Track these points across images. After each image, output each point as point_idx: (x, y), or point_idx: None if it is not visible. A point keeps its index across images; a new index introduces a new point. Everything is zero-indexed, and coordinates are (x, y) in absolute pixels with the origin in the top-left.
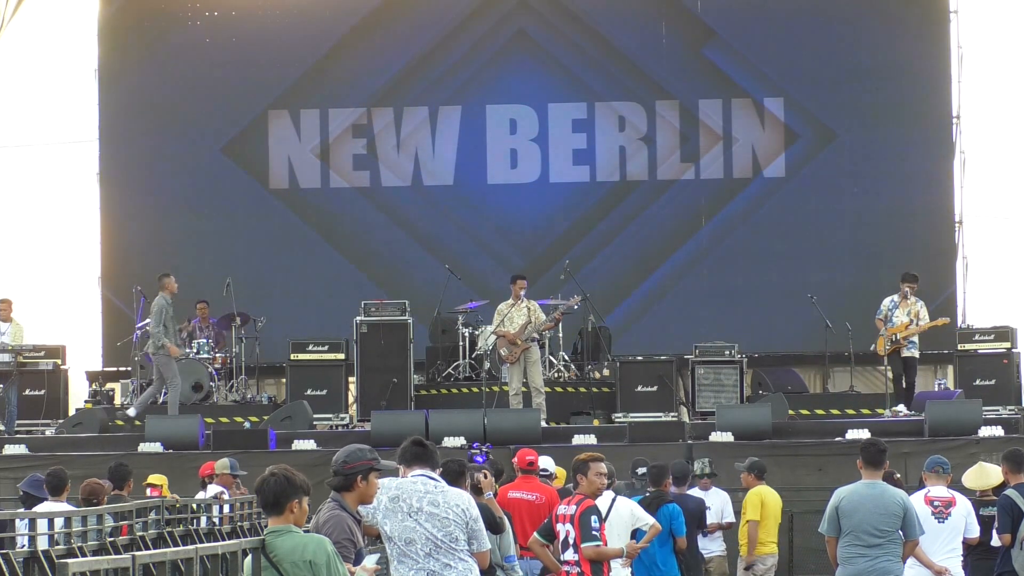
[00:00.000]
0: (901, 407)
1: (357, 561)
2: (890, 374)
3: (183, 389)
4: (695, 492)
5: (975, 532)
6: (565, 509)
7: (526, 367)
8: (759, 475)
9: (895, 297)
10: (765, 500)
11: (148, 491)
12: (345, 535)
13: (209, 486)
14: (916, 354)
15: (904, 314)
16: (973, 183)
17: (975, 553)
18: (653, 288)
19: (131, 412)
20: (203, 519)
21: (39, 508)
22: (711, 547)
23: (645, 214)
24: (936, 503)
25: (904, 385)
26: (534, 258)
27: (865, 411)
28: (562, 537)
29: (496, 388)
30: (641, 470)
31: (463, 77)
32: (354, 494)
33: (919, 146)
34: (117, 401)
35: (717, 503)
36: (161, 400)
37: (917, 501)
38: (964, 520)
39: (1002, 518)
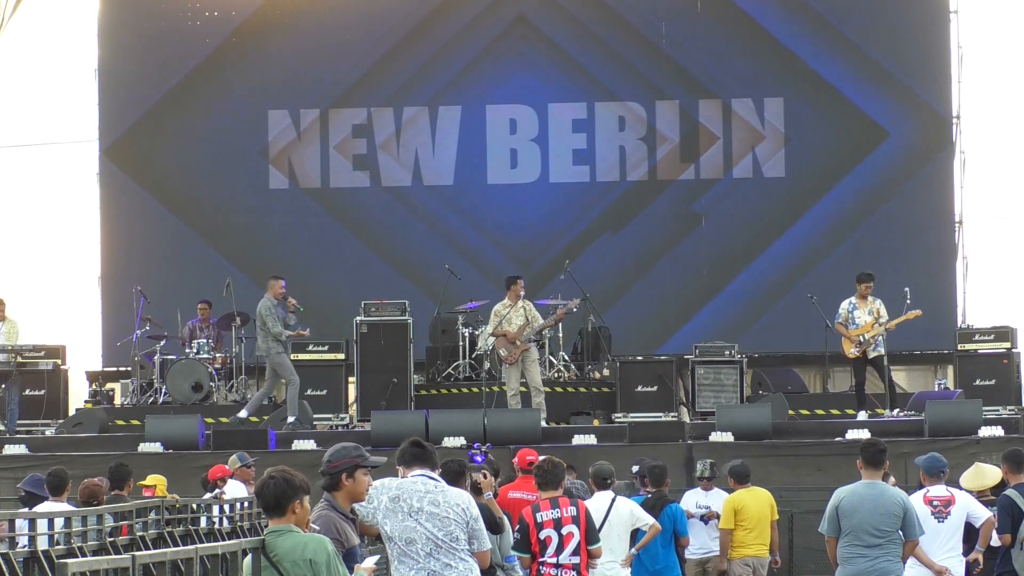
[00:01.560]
0: (862, 413)
1: (346, 559)
2: (858, 379)
3: (183, 389)
4: (695, 492)
5: (983, 516)
6: (554, 513)
7: (524, 367)
8: (738, 479)
9: (853, 299)
10: (741, 506)
11: (143, 491)
12: (332, 535)
13: (230, 481)
14: (883, 351)
15: (866, 314)
16: (973, 183)
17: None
18: (653, 288)
19: (243, 413)
20: (203, 519)
21: (40, 508)
22: (711, 546)
23: (645, 214)
24: (935, 503)
25: (884, 386)
26: (534, 258)
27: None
28: (555, 541)
29: (496, 388)
30: (634, 468)
31: (463, 77)
32: (343, 492)
33: (919, 146)
34: (117, 401)
35: (717, 504)
36: (160, 401)
37: (916, 501)
38: (965, 516)
39: (1002, 518)
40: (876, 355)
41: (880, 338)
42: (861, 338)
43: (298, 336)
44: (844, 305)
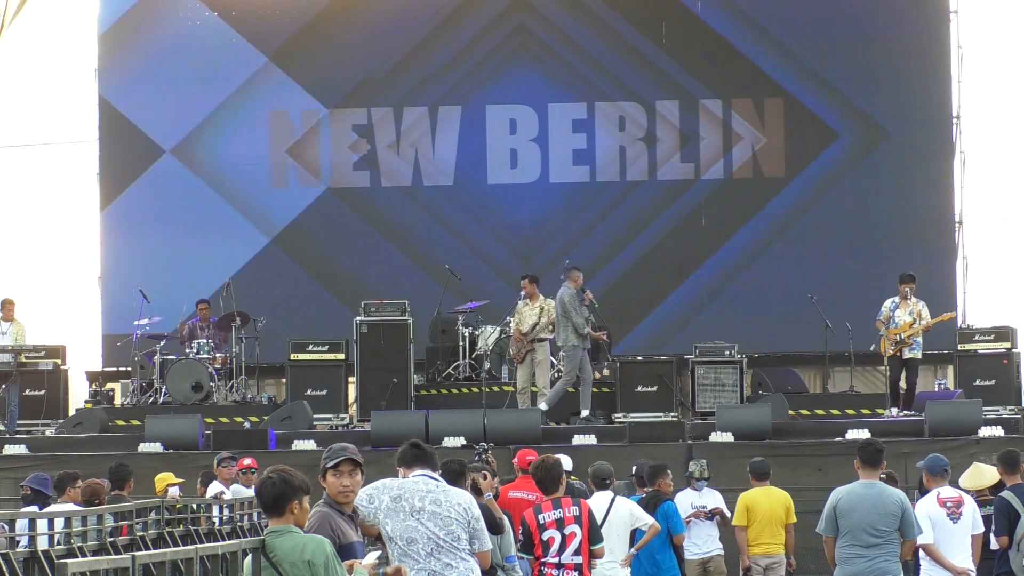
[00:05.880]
0: (894, 410)
1: (343, 555)
2: (887, 374)
3: (183, 389)
4: (687, 493)
5: (980, 528)
6: (557, 513)
7: (534, 367)
8: (757, 476)
9: (895, 299)
10: (753, 504)
11: (170, 491)
12: (326, 531)
13: (211, 483)
14: (919, 355)
15: (906, 314)
16: (973, 183)
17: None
18: (653, 288)
19: (543, 406)
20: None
21: (50, 508)
22: (712, 546)
23: (645, 214)
24: (948, 504)
25: (904, 387)
26: (534, 258)
27: (865, 411)
28: (558, 541)
29: (496, 388)
30: (634, 469)
31: (463, 77)
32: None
33: (919, 146)
34: (117, 401)
35: (711, 504)
36: (160, 401)
37: (931, 503)
38: (972, 517)
39: (999, 520)
40: (911, 356)
41: (917, 340)
42: (898, 337)
43: (598, 338)
44: (886, 304)
